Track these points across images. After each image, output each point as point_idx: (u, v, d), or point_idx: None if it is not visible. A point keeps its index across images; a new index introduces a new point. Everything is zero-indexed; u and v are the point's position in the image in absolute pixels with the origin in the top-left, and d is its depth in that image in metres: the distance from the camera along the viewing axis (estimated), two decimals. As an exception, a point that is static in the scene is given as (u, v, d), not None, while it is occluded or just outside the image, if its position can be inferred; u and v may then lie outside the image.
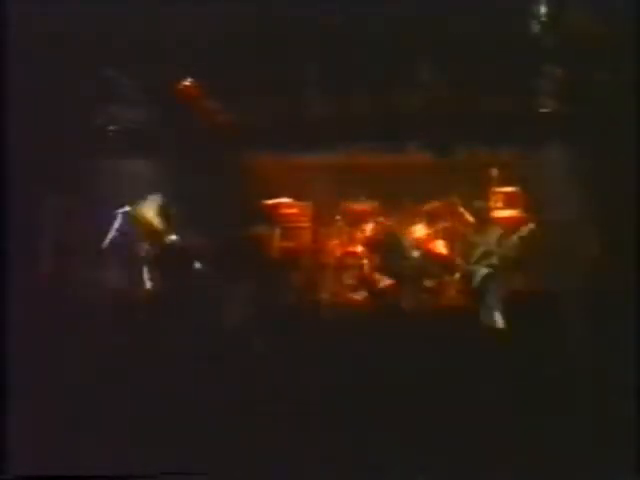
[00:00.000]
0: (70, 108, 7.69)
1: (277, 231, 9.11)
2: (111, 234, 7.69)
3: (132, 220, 7.80)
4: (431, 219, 8.89)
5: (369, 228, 9.01)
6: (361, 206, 9.23)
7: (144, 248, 7.80)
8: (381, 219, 9.00)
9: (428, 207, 8.93)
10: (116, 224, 7.72)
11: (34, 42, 6.36)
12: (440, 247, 8.72)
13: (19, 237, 5.78)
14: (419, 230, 8.91)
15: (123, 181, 8.79)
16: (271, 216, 9.18)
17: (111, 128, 8.75)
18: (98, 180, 8.62)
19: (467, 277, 8.12)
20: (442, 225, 8.81)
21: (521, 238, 7.62)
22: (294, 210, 9.40)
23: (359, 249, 8.90)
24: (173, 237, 7.76)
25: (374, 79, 7.96)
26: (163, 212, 7.86)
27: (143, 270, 7.74)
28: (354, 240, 9.02)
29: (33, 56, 6.38)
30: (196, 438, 5.07)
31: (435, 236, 8.83)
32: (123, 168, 9.00)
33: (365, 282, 8.41)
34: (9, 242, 5.59)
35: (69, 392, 5.41)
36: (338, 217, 9.21)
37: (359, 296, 8.43)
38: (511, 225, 8.17)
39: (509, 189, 8.98)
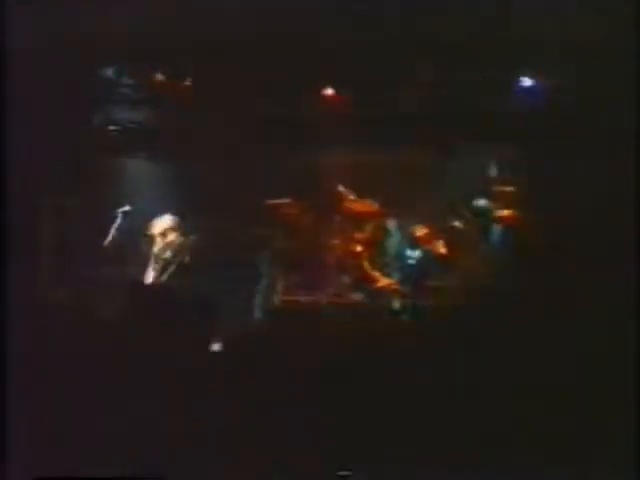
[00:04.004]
0: (70, 108, 7.70)
1: (279, 231, 9.13)
2: (112, 234, 7.70)
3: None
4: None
5: (369, 228, 9.00)
6: (362, 206, 9.22)
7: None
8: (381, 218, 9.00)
9: None
10: (116, 224, 7.74)
11: (34, 42, 6.38)
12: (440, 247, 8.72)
13: (19, 237, 5.78)
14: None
15: (124, 181, 8.81)
16: (272, 216, 9.18)
17: (111, 128, 8.78)
18: (98, 180, 8.63)
19: (468, 277, 8.15)
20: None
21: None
22: (294, 210, 9.38)
23: (358, 248, 8.88)
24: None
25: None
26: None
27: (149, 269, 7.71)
28: (354, 240, 9.01)
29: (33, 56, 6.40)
30: (197, 438, 5.07)
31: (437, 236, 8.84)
32: (124, 168, 9.02)
33: (363, 282, 8.41)
34: (9, 242, 5.60)
35: (70, 392, 5.41)
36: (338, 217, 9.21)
37: (357, 296, 8.43)
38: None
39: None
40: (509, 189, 8.89)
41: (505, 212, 8.73)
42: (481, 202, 8.74)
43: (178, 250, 7.71)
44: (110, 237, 7.70)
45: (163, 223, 7.83)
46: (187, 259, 7.68)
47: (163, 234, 7.78)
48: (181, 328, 6.43)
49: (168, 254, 7.70)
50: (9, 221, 5.64)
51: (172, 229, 7.81)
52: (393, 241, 8.92)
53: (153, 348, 5.85)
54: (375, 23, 7.12)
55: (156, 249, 7.79)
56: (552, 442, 4.99)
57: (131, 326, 6.70)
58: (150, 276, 7.71)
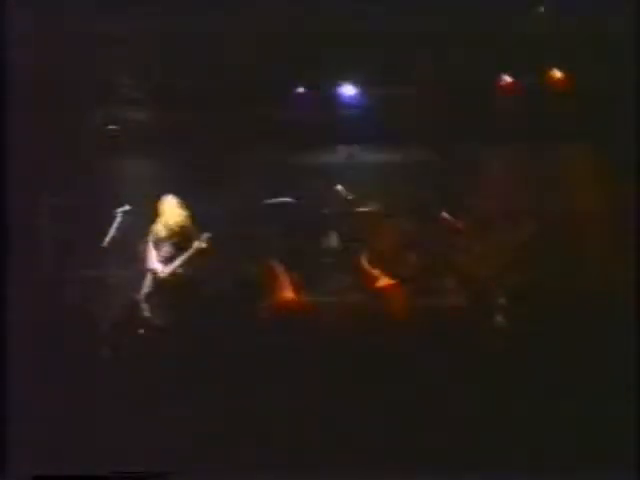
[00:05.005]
0: (70, 108, 7.73)
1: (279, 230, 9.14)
2: (111, 233, 7.69)
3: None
4: None
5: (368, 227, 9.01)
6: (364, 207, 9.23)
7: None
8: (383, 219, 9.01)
9: None
10: (116, 223, 7.73)
11: (34, 42, 6.39)
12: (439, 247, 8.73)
13: (19, 237, 5.79)
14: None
15: (123, 181, 8.82)
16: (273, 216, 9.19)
17: (111, 128, 8.79)
18: (98, 180, 8.64)
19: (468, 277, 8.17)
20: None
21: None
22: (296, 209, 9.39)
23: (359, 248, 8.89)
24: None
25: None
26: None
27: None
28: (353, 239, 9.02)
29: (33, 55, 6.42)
30: (196, 437, 5.08)
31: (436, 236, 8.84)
32: (123, 168, 9.03)
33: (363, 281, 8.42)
34: (9, 242, 5.61)
35: (69, 392, 5.42)
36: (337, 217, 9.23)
37: (358, 296, 8.44)
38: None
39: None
40: (503, 188, 8.93)
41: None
42: (477, 201, 8.76)
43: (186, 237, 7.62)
44: (110, 237, 7.69)
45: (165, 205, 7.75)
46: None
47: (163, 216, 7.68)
48: (181, 327, 6.45)
49: (176, 240, 7.63)
50: (9, 221, 5.65)
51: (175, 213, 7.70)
52: (392, 241, 8.92)
53: (153, 347, 5.87)
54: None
55: (160, 234, 7.68)
56: (552, 442, 5.00)
57: (131, 324, 6.72)
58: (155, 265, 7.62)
